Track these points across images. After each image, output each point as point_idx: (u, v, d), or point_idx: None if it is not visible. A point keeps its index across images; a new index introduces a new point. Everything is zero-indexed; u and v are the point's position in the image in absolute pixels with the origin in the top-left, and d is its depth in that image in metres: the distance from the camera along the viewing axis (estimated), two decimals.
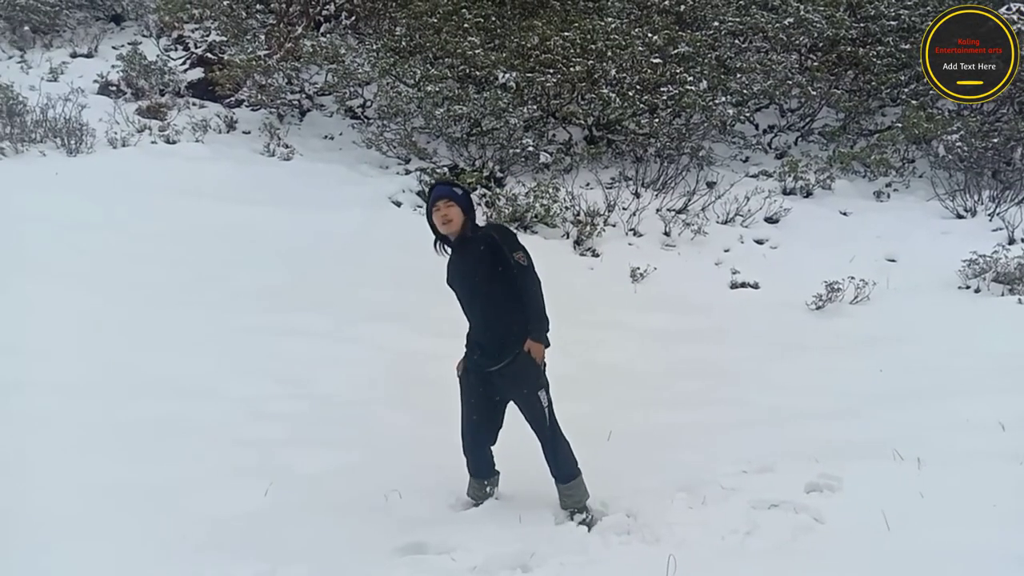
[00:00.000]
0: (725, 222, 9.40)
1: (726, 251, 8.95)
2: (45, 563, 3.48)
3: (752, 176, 10.40)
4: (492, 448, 4.24)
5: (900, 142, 10.62)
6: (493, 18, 10.90)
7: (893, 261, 8.68)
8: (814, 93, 11.14)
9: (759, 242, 9.18)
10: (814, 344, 7.07)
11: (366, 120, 10.51)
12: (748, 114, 11.36)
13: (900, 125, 10.70)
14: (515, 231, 4.23)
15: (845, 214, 9.74)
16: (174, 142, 9.58)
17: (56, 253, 6.83)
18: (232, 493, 4.25)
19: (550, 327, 4.00)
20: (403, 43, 10.75)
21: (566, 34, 10.24)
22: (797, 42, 11.41)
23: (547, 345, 4.00)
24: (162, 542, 3.75)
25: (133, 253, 7.06)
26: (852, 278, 7.84)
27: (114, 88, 10.57)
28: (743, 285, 8.40)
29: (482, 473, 4.24)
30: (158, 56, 11.03)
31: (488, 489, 4.26)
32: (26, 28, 11.69)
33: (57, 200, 7.71)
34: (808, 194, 10.08)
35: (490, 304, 3.99)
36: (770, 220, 9.47)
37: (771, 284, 8.32)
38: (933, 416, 5.18)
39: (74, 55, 11.46)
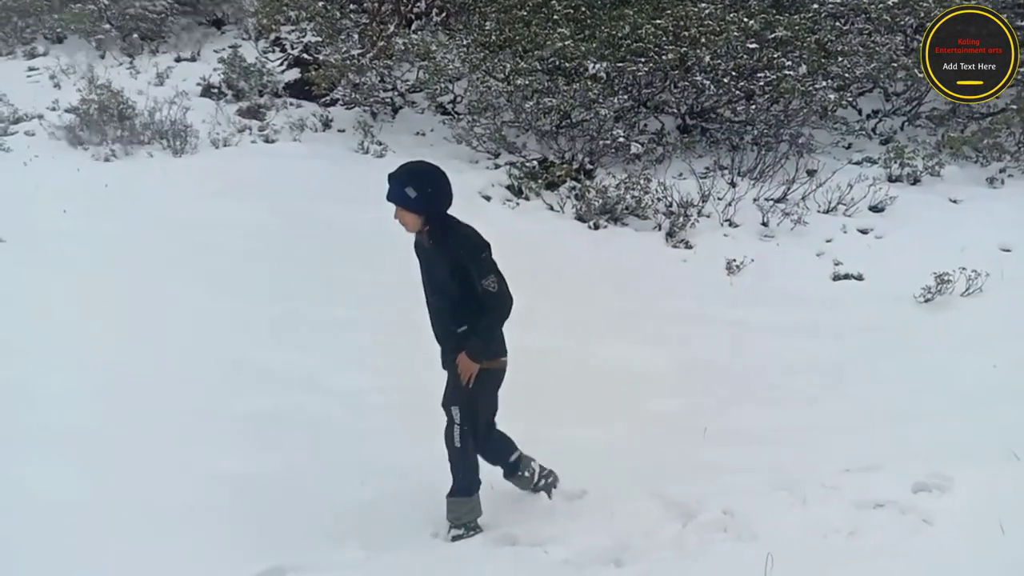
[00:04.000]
0: (827, 211, 9.07)
1: (828, 241, 8.64)
2: (155, 544, 3.65)
3: (855, 163, 10.00)
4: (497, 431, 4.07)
5: (1015, 125, 10.02)
6: (583, 8, 10.79)
7: (1008, 251, 8.20)
8: (921, 75, 10.62)
9: (863, 232, 8.82)
10: (922, 338, 6.75)
11: (456, 116, 10.59)
12: (850, 99, 10.90)
13: (1015, 107, 10.09)
14: (486, 244, 3.71)
15: (955, 202, 9.27)
16: (273, 141, 9.88)
17: (165, 250, 7.14)
18: (331, 483, 4.37)
19: (495, 354, 3.82)
20: (493, 37, 10.76)
21: (658, 22, 10.06)
22: (902, 22, 10.90)
23: (486, 360, 3.78)
24: (263, 529, 3.88)
25: (238, 250, 7.31)
26: (963, 269, 7.43)
27: (216, 90, 10.97)
28: (846, 277, 8.09)
29: (506, 465, 4.10)
30: (257, 58, 11.37)
31: (525, 474, 4.11)
32: (135, 36, 12.25)
33: (164, 199, 8.06)
34: (915, 181, 9.63)
35: (436, 312, 3.90)
36: (875, 209, 9.09)
37: (876, 276, 7.98)
38: None
39: (178, 59, 11.95)
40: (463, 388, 3.79)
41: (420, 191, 3.65)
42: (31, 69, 11.79)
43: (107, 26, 12.38)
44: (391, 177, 3.69)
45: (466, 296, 3.72)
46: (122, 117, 9.50)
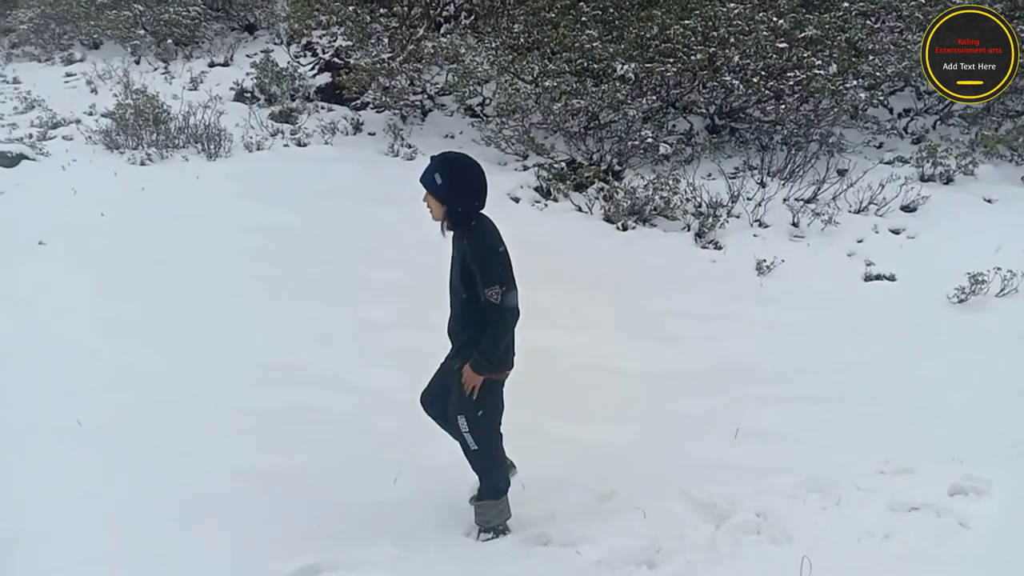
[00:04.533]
0: (858, 211, 8.99)
1: (859, 242, 8.57)
2: (184, 540, 3.68)
3: (887, 163, 9.91)
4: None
5: None
6: (611, 9, 10.80)
7: None
8: None
9: (895, 232, 8.74)
10: (956, 339, 6.67)
11: (485, 118, 10.63)
12: (881, 98, 10.81)
13: None
14: (499, 251, 3.61)
15: (989, 201, 9.15)
16: (305, 145, 9.99)
17: (196, 250, 7.24)
18: (362, 481, 4.38)
19: (499, 367, 3.69)
20: (521, 40, 10.79)
21: (686, 22, 10.03)
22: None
23: (490, 373, 3.66)
24: (295, 526, 3.91)
25: (267, 250, 7.40)
26: (998, 269, 7.34)
27: (249, 94, 11.12)
28: (878, 277, 8.02)
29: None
30: (288, 63, 11.51)
31: None
32: (169, 41, 12.47)
33: (199, 202, 8.18)
34: (948, 181, 9.51)
35: (451, 307, 3.81)
36: (907, 209, 9.00)
37: (908, 276, 7.90)
38: None
39: (212, 64, 12.13)
40: (468, 399, 3.69)
41: (446, 179, 3.58)
42: (68, 75, 12.05)
43: (142, 32, 12.60)
44: (431, 159, 3.68)
45: (472, 300, 3.61)
46: (157, 121, 9.67)
